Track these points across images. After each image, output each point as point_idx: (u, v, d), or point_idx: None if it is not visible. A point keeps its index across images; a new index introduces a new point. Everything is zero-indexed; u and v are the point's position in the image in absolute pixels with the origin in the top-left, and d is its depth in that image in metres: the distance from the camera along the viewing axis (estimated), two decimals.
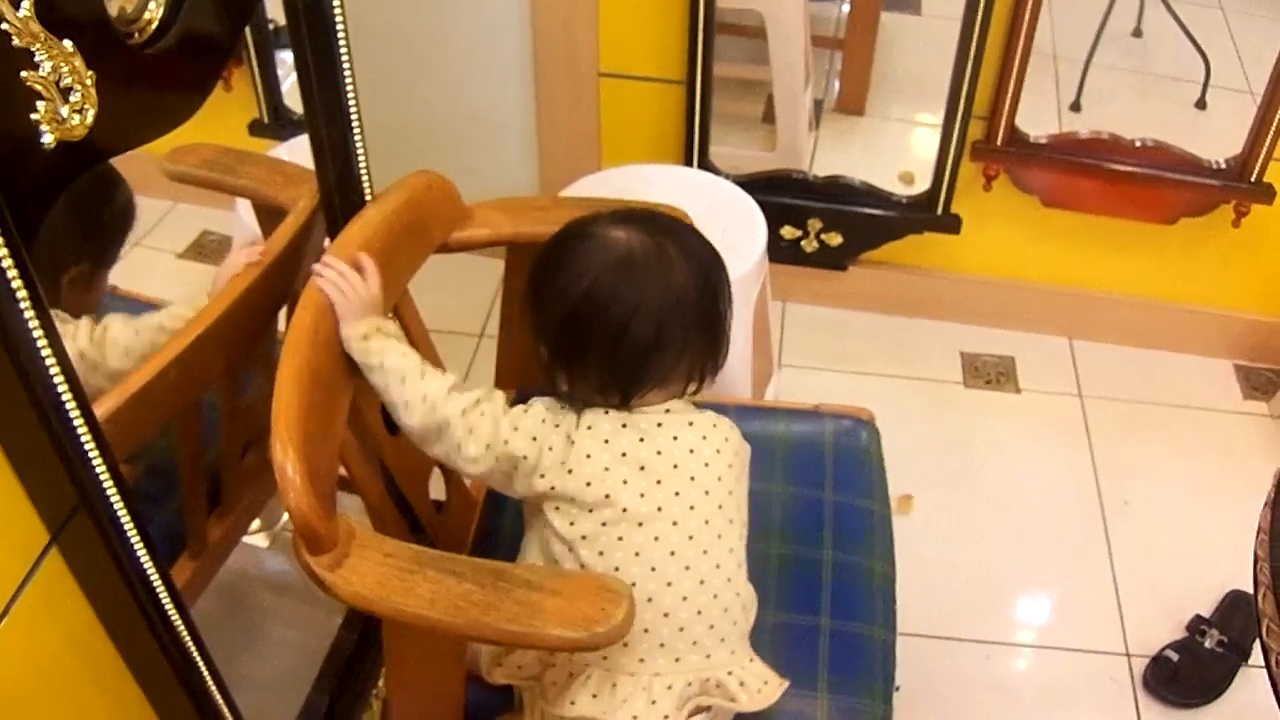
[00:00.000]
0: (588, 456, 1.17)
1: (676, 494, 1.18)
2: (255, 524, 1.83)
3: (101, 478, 0.97)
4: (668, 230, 1.22)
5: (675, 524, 1.17)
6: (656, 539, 1.16)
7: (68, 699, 1.05)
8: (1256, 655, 1.99)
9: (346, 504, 1.19)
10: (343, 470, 1.25)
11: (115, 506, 0.99)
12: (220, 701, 1.22)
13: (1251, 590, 2.02)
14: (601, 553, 1.16)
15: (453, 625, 0.98)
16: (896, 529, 1.51)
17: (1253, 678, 1.98)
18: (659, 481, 1.17)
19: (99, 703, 1.10)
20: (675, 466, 1.18)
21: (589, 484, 1.16)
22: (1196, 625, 2.03)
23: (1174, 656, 1.98)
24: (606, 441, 1.18)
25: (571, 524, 1.17)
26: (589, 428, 1.19)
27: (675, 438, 1.20)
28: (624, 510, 1.16)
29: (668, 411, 1.22)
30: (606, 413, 1.20)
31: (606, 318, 1.16)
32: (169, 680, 1.15)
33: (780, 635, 1.33)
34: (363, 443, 1.26)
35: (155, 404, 1.17)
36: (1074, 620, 2.10)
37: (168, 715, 1.20)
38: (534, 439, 1.18)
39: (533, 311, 1.23)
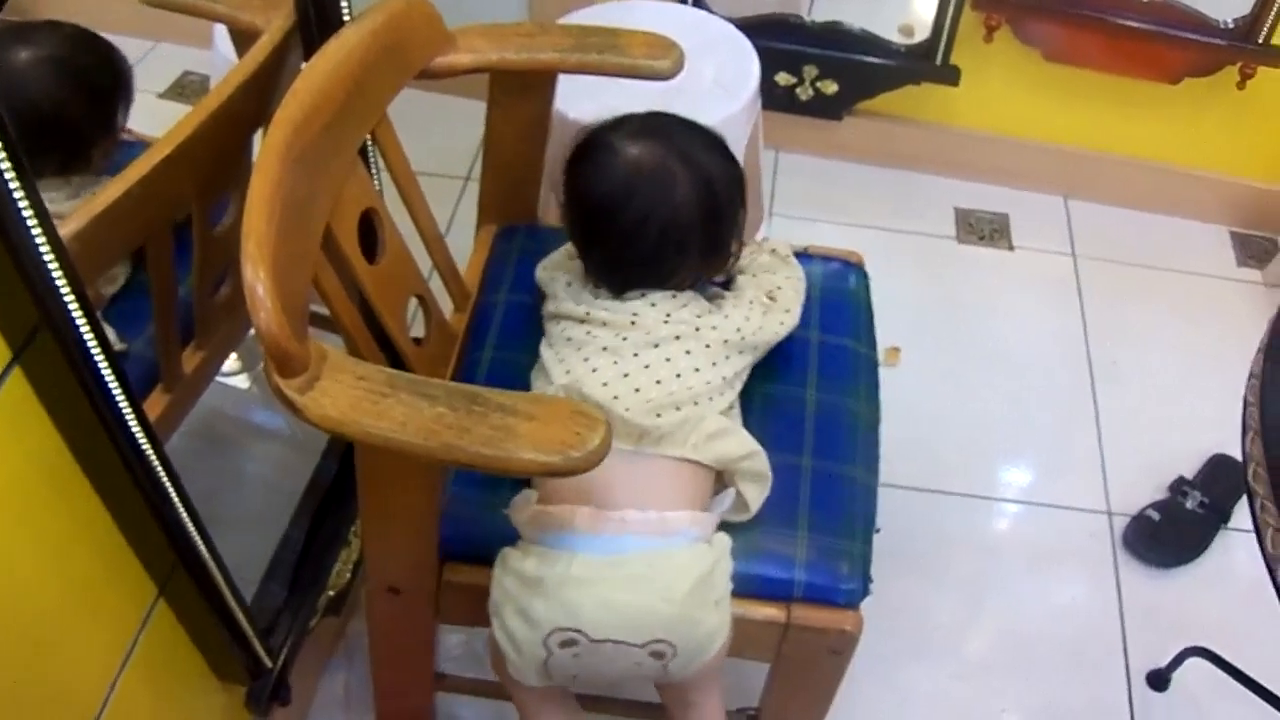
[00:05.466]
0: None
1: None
2: (236, 364, 1.82)
3: (64, 295, 0.93)
4: (679, 146, 1.26)
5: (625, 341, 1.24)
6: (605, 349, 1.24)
7: (33, 523, 1.04)
8: (1235, 519, 2.01)
9: (328, 343, 1.17)
10: (323, 310, 1.23)
11: (80, 326, 0.96)
12: (192, 530, 1.20)
13: (1234, 454, 2.05)
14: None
15: (425, 448, 0.95)
16: (882, 381, 1.49)
17: (1231, 540, 2.00)
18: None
19: (67, 529, 1.09)
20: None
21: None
22: (1179, 486, 2.04)
23: (1155, 516, 1.99)
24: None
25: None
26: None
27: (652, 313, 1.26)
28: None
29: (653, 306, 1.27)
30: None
31: (610, 227, 1.25)
32: (140, 509, 1.13)
33: None
34: (338, 271, 1.23)
35: (122, 224, 1.14)
36: (1057, 478, 2.10)
37: (140, 546, 1.19)
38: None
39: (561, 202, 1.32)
